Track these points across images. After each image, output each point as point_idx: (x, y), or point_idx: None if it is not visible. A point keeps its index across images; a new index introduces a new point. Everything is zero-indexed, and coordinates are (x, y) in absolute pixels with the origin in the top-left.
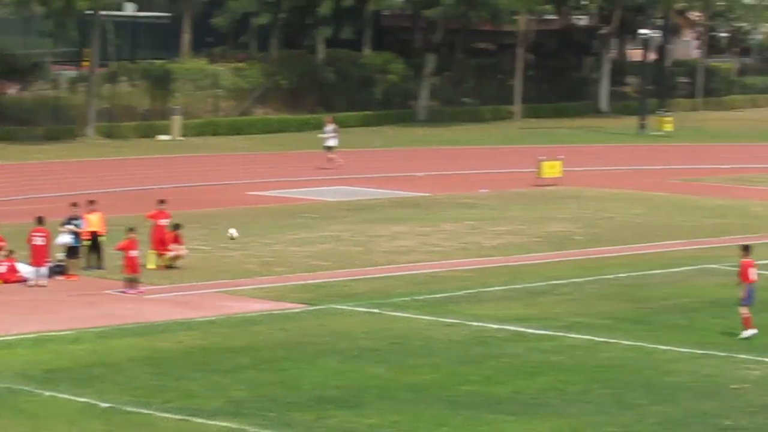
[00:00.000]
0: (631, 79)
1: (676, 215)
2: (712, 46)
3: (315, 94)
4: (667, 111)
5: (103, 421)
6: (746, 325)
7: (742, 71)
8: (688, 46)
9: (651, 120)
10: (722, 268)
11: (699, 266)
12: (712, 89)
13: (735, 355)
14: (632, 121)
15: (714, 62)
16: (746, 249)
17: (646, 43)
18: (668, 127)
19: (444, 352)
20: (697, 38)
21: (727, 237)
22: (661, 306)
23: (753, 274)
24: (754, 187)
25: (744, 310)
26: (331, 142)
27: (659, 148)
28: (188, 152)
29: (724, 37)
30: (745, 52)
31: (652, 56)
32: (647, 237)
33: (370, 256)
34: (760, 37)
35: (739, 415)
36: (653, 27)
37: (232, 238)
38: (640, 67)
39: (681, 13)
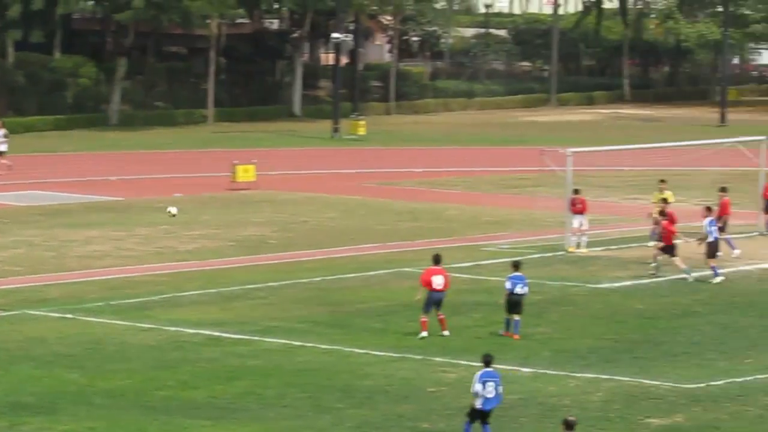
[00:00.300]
0: (325, 83)
1: (370, 219)
2: (405, 50)
3: (5, 97)
4: (360, 115)
5: None
6: (423, 327)
7: (435, 75)
8: (380, 50)
9: (344, 124)
10: (416, 271)
11: (394, 270)
12: (405, 93)
13: (431, 358)
14: (326, 125)
15: (406, 66)
16: (437, 260)
17: (338, 47)
18: (362, 131)
19: (140, 357)
20: (389, 42)
21: (421, 240)
22: (356, 309)
23: (437, 282)
24: (447, 191)
25: (424, 316)
26: (2, 147)
27: (353, 151)
28: None
29: (415, 41)
30: (437, 56)
31: (345, 60)
32: (342, 240)
33: (63, 261)
34: (451, 41)
35: (436, 418)
36: (345, 31)
37: (172, 215)
38: (332, 71)
39: (373, 17)
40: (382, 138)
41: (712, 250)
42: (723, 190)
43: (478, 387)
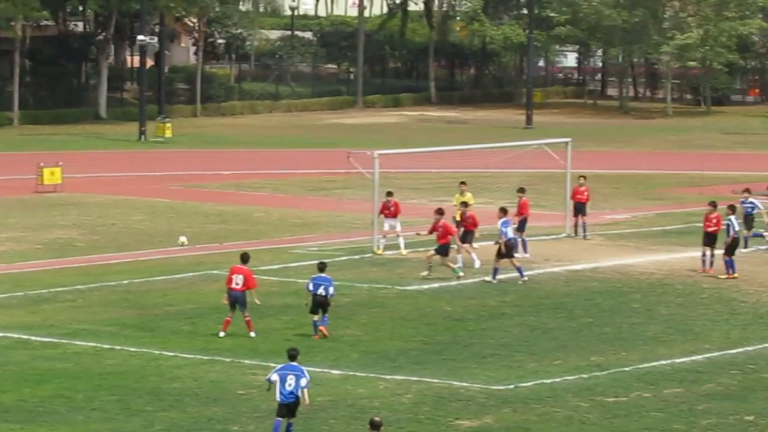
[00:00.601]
0: (130, 86)
1: (177, 221)
2: (210, 53)
3: None
4: (166, 117)
5: None
6: (224, 327)
7: (241, 77)
8: (186, 53)
9: (151, 126)
10: (224, 274)
11: (201, 272)
12: (211, 95)
13: (241, 361)
14: (132, 128)
15: (212, 68)
16: (243, 258)
17: (143, 50)
18: (168, 134)
19: None
20: (195, 44)
21: (229, 243)
22: (165, 312)
23: (235, 281)
24: (254, 193)
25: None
26: None
27: (160, 154)
28: None
29: (221, 43)
30: (243, 58)
31: (150, 62)
32: (150, 243)
33: None
34: (256, 43)
35: (246, 421)
36: (150, 33)
37: (183, 245)
38: (138, 73)
39: (178, 19)
40: (188, 140)
41: (509, 251)
42: (521, 191)
43: (273, 377)
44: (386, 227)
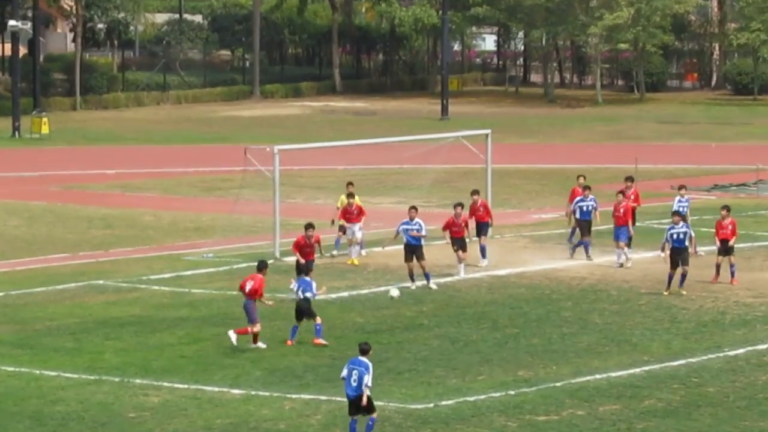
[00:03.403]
0: (1, 77)
1: (58, 226)
2: (90, 39)
3: None
4: (42, 111)
5: None
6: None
7: (124, 66)
8: (63, 39)
9: (25, 121)
10: (111, 284)
11: (85, 282)
12: (92, 86)
13: (131, 380)
14: (5, 123)
15: (92, 57)
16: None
17: (15, 36)
18: (45, 129)
19: None
20: (72, 30)
21: (115, 249)
22: (46, 327)
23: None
24: (142, 194)
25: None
26: None
27: (36, 152)
28: None
29: (101, 28)
30: (127, 45)
31: (23, 51)
32: (27, 251)
33: None
34: (141, 28)
35: None
36: (23, 18)
37: (392, 298)
38: (10, 62)
39: (53, 2)
40: (68, 136)
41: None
42: (475, 192)
43: (344, 372)
44: (358, 235)
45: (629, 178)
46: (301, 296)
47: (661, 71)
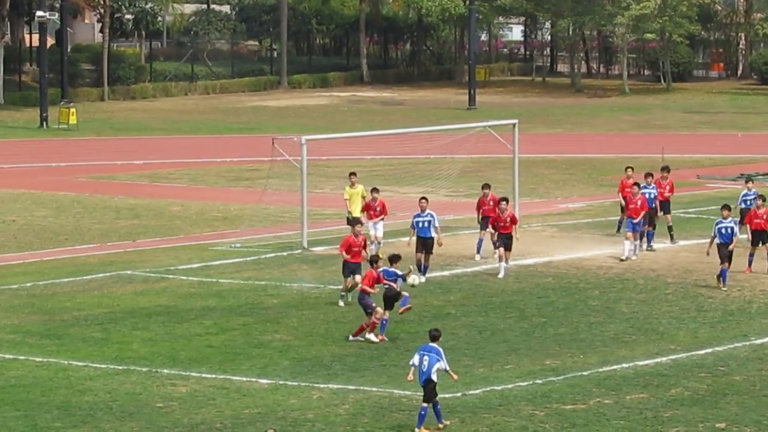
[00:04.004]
0: (30, 67)
1: (85, 217)
2: (118, 30)
3: None
4: (70, 102)
5: None
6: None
7: (152, 57)
8: (91, 30)
9: (53, 112)
10: (138, 274)
11: (113, 272)
12: (120, 77)
13: (158, 371)
14: (33, 114)
15: (120, 47)
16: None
17: (43, 27)
18: (73, 120)
19: None
20: (100, 21)
21: (143, 240)
22: (73, 318)
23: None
24: (170, 185)
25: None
26: None
27: (64, 142)
28: None
29: (129, 19)
30: (154, 35)
31: (51, 41)
32: (55, 241)
33: None
34: (169, 18)
35: None
36: (50, 8)
37: (413, 285)
38: (38, 53)
39: None
40: (96, 127)
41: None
42: (486, 186)
43: (414, 359)
44: (373, 232)
45: (665, 168)
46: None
47: (688, 61)
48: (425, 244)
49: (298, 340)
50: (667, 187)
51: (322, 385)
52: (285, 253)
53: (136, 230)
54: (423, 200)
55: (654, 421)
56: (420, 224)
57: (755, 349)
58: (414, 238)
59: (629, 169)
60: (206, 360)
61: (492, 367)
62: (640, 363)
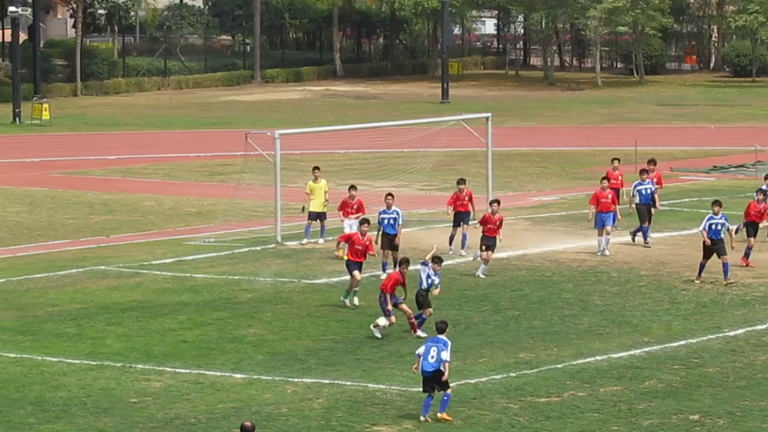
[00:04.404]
0: (2, 63)
1: (59, 212)
2: (90, 25)
3: None
4: (43, 97)
5: None
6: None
7: (125, 52)
8: (63, 25)
9: (26, 107)
10: (112, 269)
11: (87, 268)
12: (93, 72)
13: (133, 366)
14: (6, 110)
15: (93, 42)
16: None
17: (15, 22)
18: (46, 115)
19: None
20: (73, 16)
21: (117, 235)
22: (47, 313)
23: None
24: (143, 180)
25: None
26: None
27: (37, 138)
28: None
29: (102, 14)
30: (127, 30)
31: (23, 37)
32: (28, 237)
33: None
34: (141, 13)
35: None
36: (22, 4)
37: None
38: (9, 48)
39: None
40: (69, 122)
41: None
42: (461, 182)
43: (420, 349)
44: (348, 230)
45: (652, 161)
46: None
47: (661, 54)
48: (391, 242)
49: (273, 335)
50: (654, 180)
51: (296, 380)
52: (259, 248)
53: (110, 225)
54: (389, 197)
55: (628, 413)
56: (385, 221)
57: (728, 341)
58: (380, 235)
59: (615, 161)
60: (180, 355)
61: (466, 361)
62: (614, 355)
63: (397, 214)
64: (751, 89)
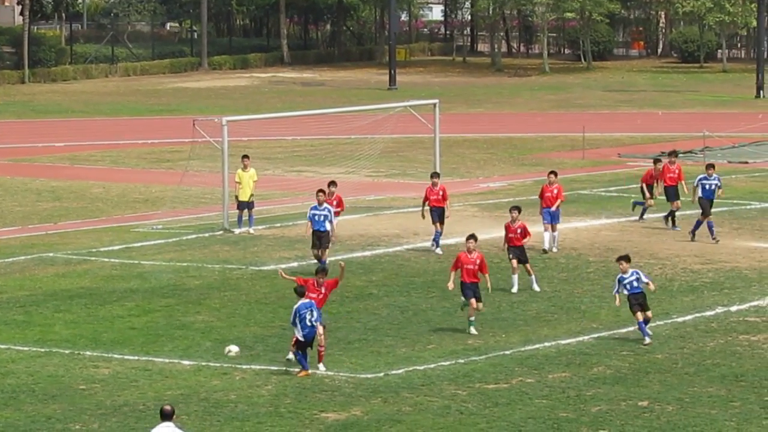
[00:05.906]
0: None
1: (6, 199)
2: (37, 12)
3: None
4: None
5: None
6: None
7: (72, 39)
8: (10, 12)
9: None
10: (60, 256)
11: (34, 255)
12: (41, 59)
13: (81, 353)
14: None
15: (40, 29)
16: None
17: None
18: None
19: None
20: (20, 3)
21: (64, 222)
22: None
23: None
24: (91, 167)
25: None
26: None
27: None
28: None
29: (49, 1)
30: (75, 17)
31: None
32: None
33: None
34: (89, 0)
35: (89, 418)
36: None
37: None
38: None
39: None
40: (16, 110)
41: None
42: (436, 175)
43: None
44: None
45: (673, 153)
46: None
47: (608, 40)
48: (321, 239)
49: (221, 322)
50: (676, 172)
51: (244, 366)
52: (206, 235)
53: (58, 212)
54: (321, 193)
55: (576, 399)
56: (316, 217)
57: (677, 327)
58: (310, 232)
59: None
60: (129, 342)
61: (414, 347)
62: (563, 342)
63: (329, 211)
64: (698, 75)
